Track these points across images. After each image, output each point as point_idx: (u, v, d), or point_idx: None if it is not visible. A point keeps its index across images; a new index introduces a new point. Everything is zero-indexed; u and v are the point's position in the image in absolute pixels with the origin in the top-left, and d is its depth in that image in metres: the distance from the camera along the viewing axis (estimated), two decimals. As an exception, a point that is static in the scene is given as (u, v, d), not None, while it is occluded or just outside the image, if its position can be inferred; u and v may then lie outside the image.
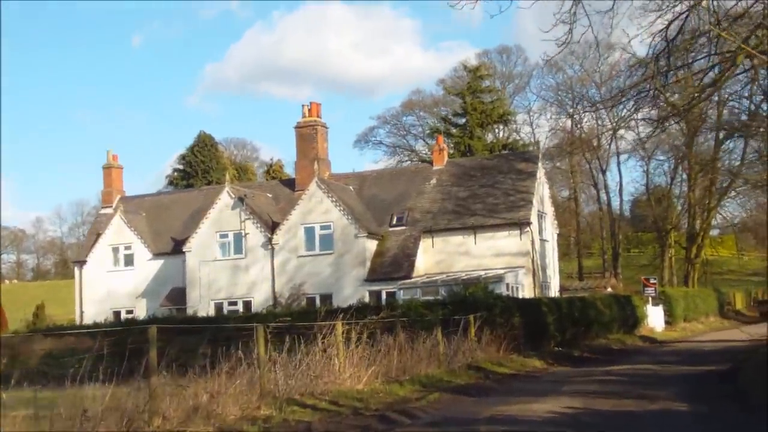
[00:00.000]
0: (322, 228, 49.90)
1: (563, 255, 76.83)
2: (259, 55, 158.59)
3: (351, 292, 46.89)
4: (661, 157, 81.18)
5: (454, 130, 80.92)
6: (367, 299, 45.26)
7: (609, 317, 41.98)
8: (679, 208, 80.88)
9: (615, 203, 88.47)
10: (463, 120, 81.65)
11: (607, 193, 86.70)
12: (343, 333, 20.74)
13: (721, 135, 76.53)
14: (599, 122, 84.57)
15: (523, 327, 32.10)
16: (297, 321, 23.85)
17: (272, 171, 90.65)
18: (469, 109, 79.97)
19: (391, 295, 46.14)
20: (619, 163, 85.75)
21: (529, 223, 48.13)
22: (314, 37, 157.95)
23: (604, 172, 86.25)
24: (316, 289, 49.22)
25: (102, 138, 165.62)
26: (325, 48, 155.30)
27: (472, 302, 31.68)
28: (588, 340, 39.23)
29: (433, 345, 26.15)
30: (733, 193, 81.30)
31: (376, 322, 25.11)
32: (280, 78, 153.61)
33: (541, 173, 52.58)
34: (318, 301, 47.55)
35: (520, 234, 48.12)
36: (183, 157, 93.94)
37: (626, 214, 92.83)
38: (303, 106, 55.61)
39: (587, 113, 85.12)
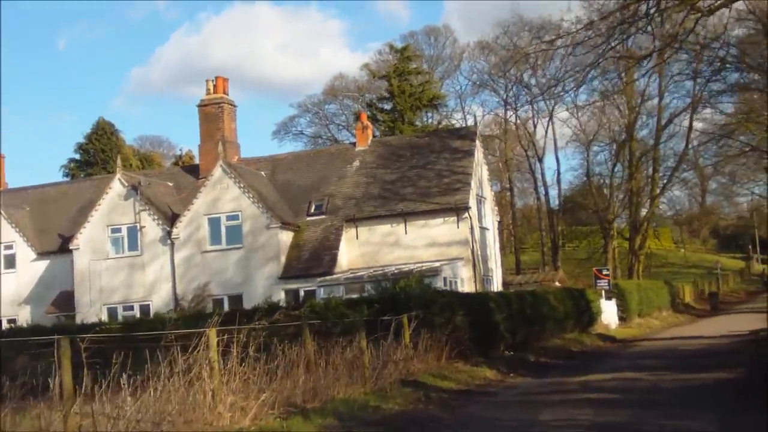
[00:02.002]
0: (229, 219, 43.23)
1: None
2: (186, 57, 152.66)
3: (264, 291, 40.03)
4: (602, 143, 75.70)
5: (380, 116, 74.24)
6: (282, 299, 38.85)
7: (563, 314, 35.98)
8: (621, 196, 75.29)
9: (553, 193, 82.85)
10: (391, 104, 75.10)
11: (545, 183, 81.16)
12: (220, 345, 14.07)
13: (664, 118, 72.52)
14: (535, 106, 79.25)
15: (469, 328, 25.82)
16: (188, 327, 17.61)
17: (182, 162, 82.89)
18: (397, 92, 73.40)
19: (310, 294, 39.51)
20: (556, 150, 79.28)
21: (467, 208, 41.94)
22: (241, 39, 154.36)
23: (540, 161, 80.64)
24: (224, 290, 42.59)
25: (22, 138, 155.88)
26: (253, 50, 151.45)
27: (405, 299, 25.37)
28: (542, 341, 33.15)
29: (356, 355, 19.69)
30: (676, 182, 77.20)
31: (278, 327, 18.76)
32: (206, 80, 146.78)
33: (479, 153, 46.39)
34: (226, 303, 41.24)
35: (458, 221, 41.90)
36: (80, 146, 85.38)
37: (567, 203, 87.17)
38: (207, 81, 48.90)
39: (522, 98, 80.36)
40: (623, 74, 69.28)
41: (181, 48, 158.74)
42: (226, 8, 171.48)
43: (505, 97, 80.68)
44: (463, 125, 74.35)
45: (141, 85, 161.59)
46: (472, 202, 42.95)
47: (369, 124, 49.55)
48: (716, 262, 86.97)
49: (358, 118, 50.70)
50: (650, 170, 74.28)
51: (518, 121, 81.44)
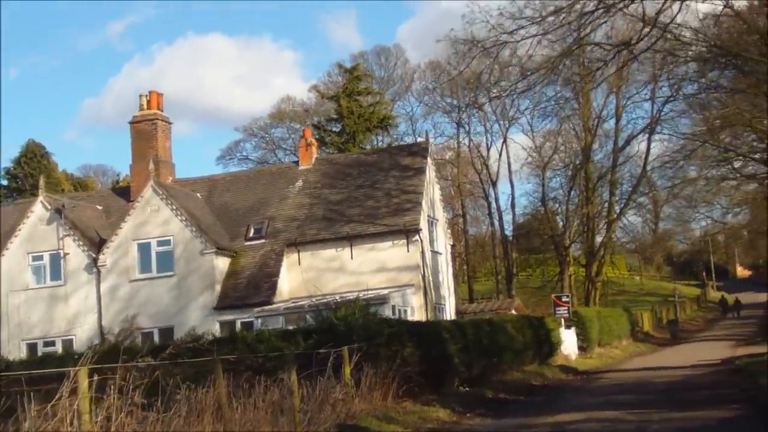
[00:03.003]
0: (160, 244, 39.84)
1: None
2: (139, 88, 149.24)
3: (197, 323, 36.34)
4: (558, 167, 73.15)
5: (329, 138, 70.97)
6: (217, 332, 35.49)
7: (522, 344, 32.97)
8: (577, 222, 72.62)
9: (507, 218, 79.91)
10: (340, 126, 71.97)
11: (498, 208, 78.27)
12: (93, 388, 10.78)
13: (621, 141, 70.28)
14: (488, 128, 76.73)
15: (420, 361, 22.74)
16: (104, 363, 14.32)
17: (118, 187, 78.86)
18: (346, 113, 70.28)
19: (248, 325, 36.16)
20: (510, 174, 76.56)
21: (418, 231, 38.91)
22: (194, 70, 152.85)
23: (494, 185, 77.78)
24: (154, 321, 39.14)
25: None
26: (206, 81, 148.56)
27: (346, 330, 22.29)
28: (500, 374, 30.12)
29: (284, 397, 16.49)
30: (632, 206, 74.94)
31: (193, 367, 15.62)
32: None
33: (431, 171, 43.42)
34: (157, 337, 37.75)
35: (408, 244, 38.85)
36: (7, 171, 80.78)
37: (521, 229, 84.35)
38: (140, 96, 45.52)
39: (475, 121, 77.79)
40: (579, 86, 67.50)
41: (133, 79, 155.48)
42: (178, 39, 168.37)
43: (457, 119, 77.90)
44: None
45: (93, 117, 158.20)
46: (423, 224, 39.96)
47: (313, 141, 46.40)
48: (674, 290, 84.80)
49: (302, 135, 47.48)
50: (607, 194, 71.97)
51: (471, 144, 78.69)
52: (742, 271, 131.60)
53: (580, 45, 24.41)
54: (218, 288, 39.13)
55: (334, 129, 72.61)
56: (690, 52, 29.08)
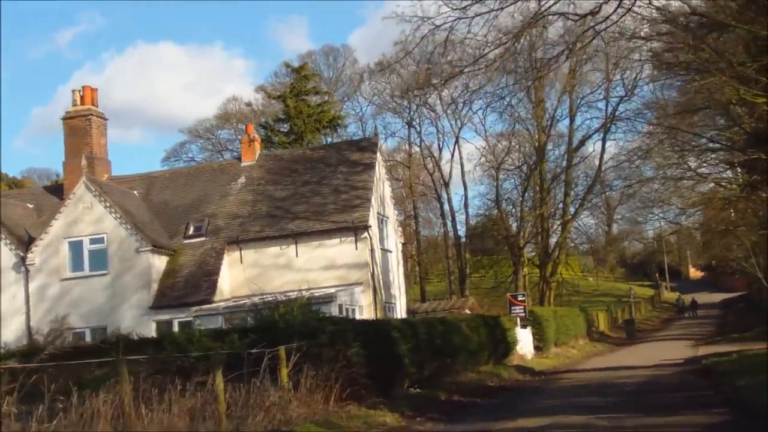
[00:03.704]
0: (93, 242, 37.52)
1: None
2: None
3: (133, 323, 34.24)
4: (512, 167, 71.46)
5: (277, 138, 68.63)
6: (153, 332, 33.46)
7: (477, 344, 31.17)
8: (532, 222, 70.91)
9: (461, 218, 78.06)
10: (288, 126, 69.67)
11: (451, 209, 76.37)
12: None
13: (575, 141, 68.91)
14: (440, 128, 74.91)
15: (366, 362, 20.77)
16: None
17: (50, 185, 75.94)
18: (294, 113, 68.01)
19: (186, 325, 34.05)
20: (463, 174, 74.57)
21: (366, 227, 36.95)
22: (145, 78, 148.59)
23: (447, 186, 75.82)
24: (86, 322, 36.80)
25: None
26: (157, 89, 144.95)
27: (285, 328, 20.38)
28: (454, 375, 28.28)
29: (207, 401, 14.46)
30: (587, 206, 73.66)
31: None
32: (110, 120, 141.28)
33: (380, 167, 41.48)
34: (89, 337, 35.53)
35: (356, 241, 36.88)
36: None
37: (475, 230, 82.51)
38: (74, 91, 43.10)
39: (427, 121, 75.94)
40: (532, 84, 66.06)
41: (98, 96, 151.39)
42: (128, 48, 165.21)
43: (408, 119, 75.93)
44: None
45: (41, 125, 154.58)
46: (373, 221, 38.02)
47: (256, 136, 44.22)
48: (629, 290, 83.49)
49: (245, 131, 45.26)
50: (561, 195, 70.56)
51: (423, 144, 76.75)
52: (694, 273, 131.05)
53: (544, 15, 22.44)
54: (155, 287, 37.00)
55: (282, 129, 70.35)
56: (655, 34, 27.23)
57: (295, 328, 20.18)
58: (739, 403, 17.07)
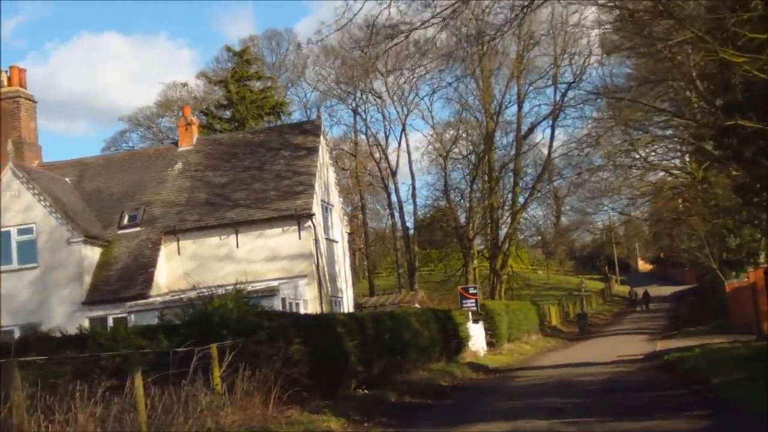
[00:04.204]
0: (21, 232, 35.22)
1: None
2: (32, 87, 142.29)
3: (65, 319, 31.92)
4: (460, 156, 69.87)
5: (219, 125, 66.28)
6: (86, 328, 31.17)
7: (429, 340, 29.42)
8: (481, 213, 69.27)
9: (409, 209, 76.22)
10: (230, 112, 67.35)
11: (399, 199, 74.36)
12: None
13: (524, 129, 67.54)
14: (387, 115, 73.01)
15: (309, 360, 18.90)
16: None
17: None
18: (236, 99, 65.70)
19: (121, 321, 31.83)
20: (410, 163, 72.72)
21: (310, 215, 35.04)
22: (90, 69, 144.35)
23: (394, 175, 73.89)
24: (15, 319, 34.24)
25: None
26: (102, 79, 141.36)
27: (219, 324, 18.36)
28: (404, 373, 26.49)
29: (125, 408, 12.52)
30: (537, 196, 72.46)
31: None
32: (55, 112, 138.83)
33: (324, 152, 39.53)
34: (17, 335, 32.92)
35: (299, 230, 34.97)
36: None
37: (424, 221, 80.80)
38: (1, 72, 40.62)
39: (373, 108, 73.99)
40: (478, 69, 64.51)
41: (27, 78, 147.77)
42: (73, 38, 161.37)
43: (353, 105, 73.85)
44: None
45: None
46: (317, 209, 36.11)
47: (194, 120, 42.01)
48: (580, 283, 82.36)
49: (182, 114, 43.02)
50: (511, 184, 69.15)
51: (369, 132, 74.68)
52: (643, 265, 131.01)
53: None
54: (88, 280, 34.83)
55: (224, 116, 68.06)
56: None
57: (231, 324, 18.28)
58: (720, 404, 15.42)
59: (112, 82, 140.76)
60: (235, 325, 18.07)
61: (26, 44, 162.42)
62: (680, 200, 65.57)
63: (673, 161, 63.36)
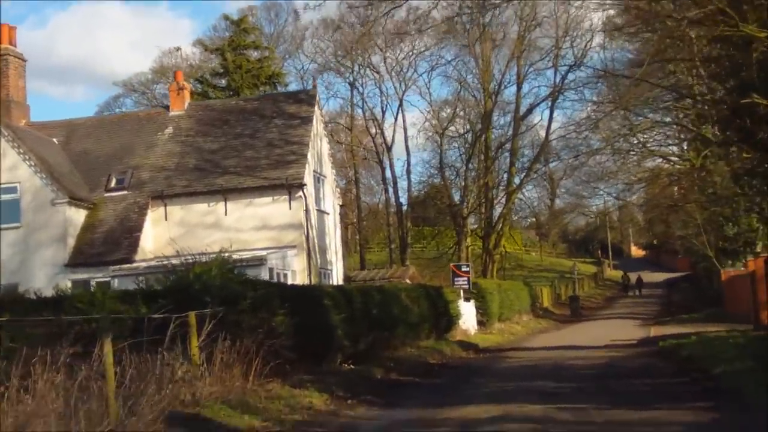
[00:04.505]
0: (5, 192, 34.29)
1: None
2: (31, 52, 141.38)
3: (47, 281, 31.06)
4: (456, 134, 69.04)
5: (214, 93, 65.20)
6: (68, 291, 30.37)
7: (418, 316, 28.66)
8: (476, 192, 68.39)
9: (403, 185, 75.25)
10: (225, 81, 66.24)
11: (393, 175, 73.64)
12: None
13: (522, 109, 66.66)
14: (384, 90, 71.99)
15: (294, 333, 18.13)
16: None
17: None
18: (232, 68, 64.52)
19: (104, 285, 31.02)
20: (406, 139, 71.63)
21: (302, 185, 34.21)
22: (89, 36, 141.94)
23: (389, 150, 72.90)
24: (-6, 277, 33.46)
25: None
26: (101, 47, 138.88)
27: (200, 291, 17.57)
28: (392, 349, 25.77)
29: (90, 377, 11.71)
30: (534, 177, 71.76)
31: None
32: (54, 76, 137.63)
33: (319, 122, 38.63)
34: (-3, 295, 32.16)
35: (290, 200, 34.15)
36: None
37: (418, 198, 79.91)
38: (-10, 29, 39.55)
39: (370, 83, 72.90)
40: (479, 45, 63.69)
41: (25, 42, 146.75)
42: (73, 4, 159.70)
43: (351, 79, 72.83)
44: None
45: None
46: (309, 179, 35.27)
47: (187, 84, 41.04)
48: (573, 266, 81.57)
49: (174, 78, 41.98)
50: (507, 164, 68.35)
51: (365, 106, 73.68)
52: (636, 251, 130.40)
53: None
54: (71, 242, 34.05)
55: (219, 84, 66.96)
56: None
57: (213, 292, 17.47)
58: (723, 395, 14.64)
59: (111, 49, 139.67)
60: (218, 292, 17.26)
61: (26, 9, 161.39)
62: (676, 187, 65.14)
63: (671, 148, 63.06)
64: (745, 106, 14.87)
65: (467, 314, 38.61)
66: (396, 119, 73.58)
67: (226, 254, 24.42)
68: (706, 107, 37.36)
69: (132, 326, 15.63)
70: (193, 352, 15.39)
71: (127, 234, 34.29)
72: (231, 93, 64.16)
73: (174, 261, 25.00)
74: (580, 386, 17.35)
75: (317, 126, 38.02)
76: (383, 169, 73.12)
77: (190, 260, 22.72)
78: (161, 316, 14.73)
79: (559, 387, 17.28)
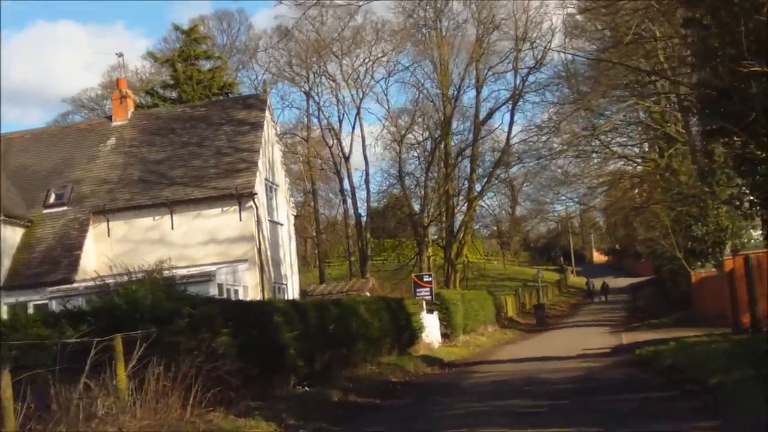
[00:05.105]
0: (-66, 211, 32.05)
1: (301, 265, 61.02)
2: None
3: (-20, 305, 29.30)
4: (415, 142, 67.38)
5: (164, 105, 62.86)
6: (4, 316, 28.34)
7: (379, 331, 26.83)
8: (437, 200, 66.64)
9: (362, 195, 73.21)
10: (176, 93, 64.00)
11: (351, 185, 71.19)
12: None
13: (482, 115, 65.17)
14: (339, 95, 69.87)
15: (239, 354, 16.23)
16: None
17: None
18: (182, 79, 62.39)
19: (43, 308, 28.94)
20: (364, 148, 69.57)
21: (252, 195, 32.27)
22: (44, 57, 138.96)
23: (347, 160, 70.78)
24: None
25: None
26: (57, 68, 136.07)
27: (130, 311, 15.61)
28: (351, 367, 23.88)
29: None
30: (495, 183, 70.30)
31: None
32: (9, 99, 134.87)
33: (270, 128, 36.72)
34: None
35: (240, 210, 32.20)
36: None
37: (377, 208, 78.03)
38: None
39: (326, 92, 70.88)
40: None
41: None
42: (27, 26, 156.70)
43: (306, 88, 70.82)
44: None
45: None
46: (260, 188, 33.34)
47: (130, 93, 38.95)
48: (537, 273, 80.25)
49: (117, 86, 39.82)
50: (467, 171, 66.85)
51: (321, 115, 71.60)
52: (598, 257, 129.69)
53: None
54: (7, 263, 31.86)
55: (170, 96, 64.73)
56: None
57: (145, 312, 15.55)
58: (728, 411, 12.79)
59: (66, 70, 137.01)
60: (148, 312, 15.32)
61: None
62: (637, 190, 64.07)
63: (633, 149, 61.97)
64: (736, 83, 13.28)
65: (431, 327, 36.84)
66: (353, 128, 71.62)
67: (168, 269, 22.50)
68: (684, 95, 36.00)
69: (57, 353, 13.72)
70: (120, 381, 13.45)
71: (67, 253, 32.18)
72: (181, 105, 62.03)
73: (109, 281, 23.09)
74: (559, 404, 15.52)
75: (269, 132, 36.14)
76: (341, 180, 71.08)
77: (125, 279, 20.85)
78: (76, 340, 12.74)
79: (536, 405, 15.44)
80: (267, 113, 36.25)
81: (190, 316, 15.71)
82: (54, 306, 28.52)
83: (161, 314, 15.39)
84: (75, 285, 30.50)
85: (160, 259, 24.08)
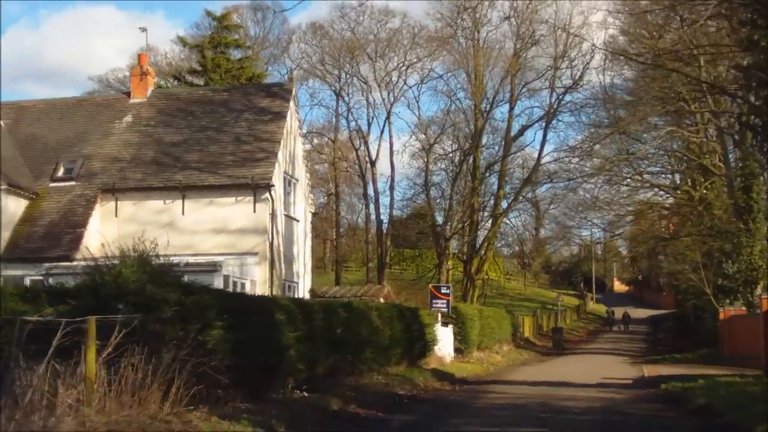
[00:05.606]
0: (-64, 174, 30.69)
1: (316, 268, 59.32)
2: (23, 53, 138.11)
3: (-27, 277, 27.75)
4: (444, 152, 65.73)
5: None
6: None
7: (389, 339, 25.18)
8: (461, 213, 64.90)
9: (385, 201, 71.45)
10: (203, 80, 62.54)
11: (375, 190, 69.45)
12: None
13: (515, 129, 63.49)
14: (370, 98, 68.23)
15: (232, 351, 14.65)
16: None
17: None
18: (210, 66, 60.97)
19: (39, 284, 27.45)
20: (391, 153, 67.77)
21: (269, 186, 30.71)
22: (81, 39, 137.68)
23: (373, 164, 69.07)
24: None
25: None
26: (93, 51, 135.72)
27: (114, 292, 14.09)
28: (356, 375, 22.24)
29: None
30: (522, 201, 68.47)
31: None
32: (44, 78, 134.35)
33: (293, 119, 35.16)
34: None
35: (255, 201, 30.67)
36: None
37: (400, 216, 76.34)
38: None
39: (357, 93, 69.29)
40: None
41: (17, 42, 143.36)
42: (68, 7, 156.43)
43: (337, 88, 69.21)
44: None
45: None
46: (277, 180, 31.78)
47: (150, 69, 37.40)
48: (557, 296, 78.37)
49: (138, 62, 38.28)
50: (495, 187, 65.09)
51: (350, 116, 69.98)
52: (619, 286, 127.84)
53: None
54: (6, 235, 30.43)
55: (197, 83, 63.29)
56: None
57: (129, 294, 14.00)
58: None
59: (103, 54, 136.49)
60: (133, 296, 13.75)
61: (19, 11, 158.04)
62: (665, 222, 62.26)
63: (665, 179, 60.14)
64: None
65: (444, 340, 35.19)
66: (382, 132, 69.70)
67: (149, 249, 20.77)
68: (726, 126, 34.35)
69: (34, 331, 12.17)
70: (90, 370, 11.87)
71: (70, 229, 30.75)
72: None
73: (102, 261, 21.53)
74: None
75: (292, 123, 34.60)
76: (365, 185, 69.45)
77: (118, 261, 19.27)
78: (35, 319, 11.19)
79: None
80: (291, 103, 34.72)
81: (180, 304, 14.15)
82: (51, 283, 27.10)
83: (147, 299, 13.84)
84: (74, 263, 28.97)
85: (154, 243, 22.50)
